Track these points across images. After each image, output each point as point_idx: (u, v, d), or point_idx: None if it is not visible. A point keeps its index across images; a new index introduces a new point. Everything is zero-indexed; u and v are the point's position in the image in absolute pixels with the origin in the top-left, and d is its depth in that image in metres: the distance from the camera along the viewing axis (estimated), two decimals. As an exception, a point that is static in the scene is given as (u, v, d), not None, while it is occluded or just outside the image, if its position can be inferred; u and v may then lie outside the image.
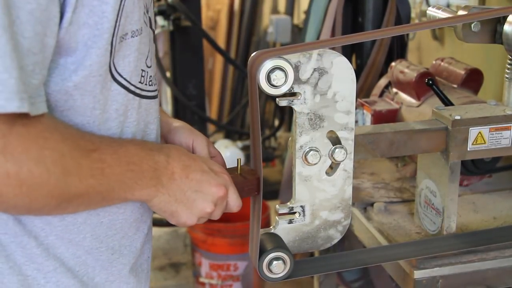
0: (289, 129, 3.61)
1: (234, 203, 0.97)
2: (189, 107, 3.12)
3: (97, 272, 0.92)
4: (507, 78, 1.29)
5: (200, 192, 0.92)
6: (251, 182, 1.00)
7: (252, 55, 0.93)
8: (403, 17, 2.06)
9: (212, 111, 4.63)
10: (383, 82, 1.72)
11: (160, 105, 1.04)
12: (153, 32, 0.99)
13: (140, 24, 0.89)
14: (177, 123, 1.09)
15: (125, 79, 0.88)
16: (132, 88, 0.90)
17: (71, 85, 0.82)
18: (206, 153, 1.04)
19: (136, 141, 0.91)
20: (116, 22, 0.83)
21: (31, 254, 0.87)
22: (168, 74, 3.26)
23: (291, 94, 0.97)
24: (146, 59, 0.92)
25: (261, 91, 0.93)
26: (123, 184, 0.84)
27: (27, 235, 0.86)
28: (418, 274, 1.17)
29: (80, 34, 0.80)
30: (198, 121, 3.19)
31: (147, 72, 0.93)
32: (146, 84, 0.93)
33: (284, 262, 1.01)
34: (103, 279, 0.93)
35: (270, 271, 1.01)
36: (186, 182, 0.90)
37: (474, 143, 1.16)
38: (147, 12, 0.93)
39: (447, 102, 1.37)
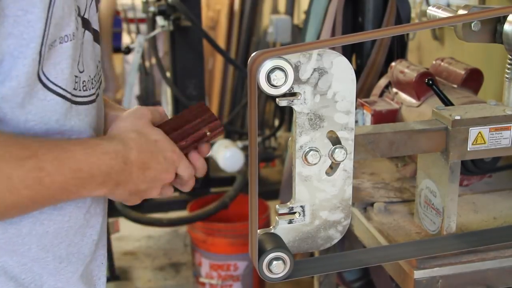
0: (289, 129, 3.61)
1: (187, 175, 0.97)
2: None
3: (44, 279, 0.89)
4: (507, 78, 1.29)
5: (151, 185, 0.93)
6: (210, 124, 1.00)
7: (252, 55, 0.93)
8: (403, 17, 2.06)
9: (212, 111, 4.63)
10: (383, 82, 1.72)
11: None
12: (94, 32, 0.95)
13: (71, 29, 0.85)
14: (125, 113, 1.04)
15: (60, 87, 0.85)
16: (68, 96, 0.87)
17: None
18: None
19: (86, 142, 0.85)
20: (44, 31, 0.80)
21: None
22: (168, 74, 3.26)
23: (291, 94, 0.97)
24: (78, 64, 0.89)
25: (261, 91, 0.93)
26: (65, 191, 0.81)
27: None
28: (418, 274, 1.17)
29: (5, 45, 0.78)
30: (198, 121, 3.18)
31: (80, 77, 0.90)
32: (80, 90, 0.90)
33: (284, 262, 1.01)
34: (51, 286, 0.90)
35: (270, 271, 1.01)
36: (141, 178, 0.90)
37: (474, 143, 1.16)
38: (80, 14, 0.90)
39: (447, 102, 1.37)
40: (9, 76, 0.79)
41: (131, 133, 0.90)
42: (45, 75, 0.83)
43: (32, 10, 0.78)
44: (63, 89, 0.85)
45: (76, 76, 0.88)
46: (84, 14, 0.91)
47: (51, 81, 0.84)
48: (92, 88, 0.94)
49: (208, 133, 0.99)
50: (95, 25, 0.96)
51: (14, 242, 0.85)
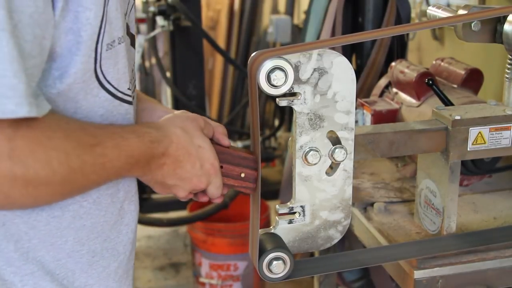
0: (289, 129, 3.61)
1: (213, 195, 0.99)
2: (189, 107, 3.11)
3: (77, 276, 0.92)
4: (507, 78, 1.29)
5: (180, 184, 0.95)
6: (249, 161, 1.01)
7: (252, 55, 0.93)
8: (403, 17, 2.06)
9: (212, 111, 4.63)
10: (383, 82, 1.72)
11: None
12: (133, 36, 0.99)
13: (123, 31, 0.89)
14: (176, 112, 1.07)
15: (113, 86, 0.88)
16: (119, 94, 0.90)
17: (55, 92, 0.82)
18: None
19: (138, 130, 0.89)
20: (100, 28, 0.82)
21: (9, 258, 0.86)
22: (168, 74, 3.26)
23: (291, 94, 0.97)
24: (130, 65, 0.93)
25: (261, 91, 0.93)
26: (118, 175, 0.87)
27: (6, 240, 0.86)
28: (418, 274, 1.17)
29: (66, 40, 0.80)
30: (198, 121, 3.18)
31: (133, 78, 0.94)
32: (129, 89, 0.94)
33: (284, 262, 1.01)
34: (82, 283, 0.93)
35: (270, 271, 1.01)
36: (171, 174, 0.93)
37: (474, 143, 1.16)
38: (126, 17, 0.93)
39: (447, 102, 1.37)
40: (67, 73, 0.81)
41: (177, 129, 0.93)
42: (103, 74, 0.86)
43: (91, 8, 0.80)
44: (115, 88, 0.89)
45: (132, 77, 0.93)
46: (127, 18, 0.94)
47: (107, 80, 0.87)
48: (133, 89, 0.97)
49: (242, 175, 1.00)
50: (133, 30, 0.99)
51: (54, 235, 0.88)
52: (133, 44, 1.00)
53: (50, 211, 0.87)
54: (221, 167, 0.98)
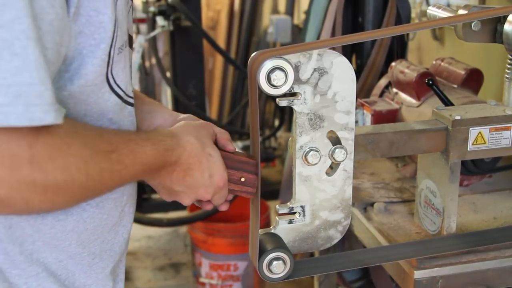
0: (289, 129, 3.61)
1: (218, 203, 1.01)
2: (189, 107, 3.11)
3: (77, 276, 0.92)
4: (507, 78, 1.29)
5: (186, 191, 0.96)
6: (250, 175, 1.00)
7: (252, 55, 0.93)
8: (403, 17, 2.06)
9: (212, 111, 4.63)
10: (383, 82, 1.72)
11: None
12: (131, 37, 1.00)
13: (127, 33, 0.90)
14: (181, 115, 1.08)
15: (122, 90, 0.89)
16: (125, 98, 0.91)
17: (67, 94, 0.82)
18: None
19: (153, 138, 0.89)
20: (113, 32, 0.83)
21: (14, 260, 0.87)
22: (168, 74, 3.26)
23: (291, 94, 0.97)
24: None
25: (261, 91, 0.93)
26: (131, 181, 0.89)
27: (12, 242, 0.86)
28: (418, 274, 1.17)
29: (76, 43, 0.80)
30: (198, 121, 3.18)
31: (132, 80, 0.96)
32: (132, 92, 0.95)
33: (284, 262, 1.01)
34: (82, 284, 0.93)
35: (270, 271, 1.01)
36: (179, 181, 0.93)
37: (474, 143, 1.16)
38: (128, 19, 0.94)
39: (447, 102, 1.37)
40: (78, 74, 0.81)
41: (190, 137, 0.94)
42: (113, 78, 0.86)
43: (105, 12, 0.81)
44: (124, 92, 0.90)
45: (131, 79, 0.94)
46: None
47: (117, 84, 0.88)
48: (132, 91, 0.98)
49: (242, 179, 1.00)
50: (131, 31, 0.99)
51: (58, 238, 0.89)
52: (130, 44, 1.00)
53: (55, 215, 0.87)
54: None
